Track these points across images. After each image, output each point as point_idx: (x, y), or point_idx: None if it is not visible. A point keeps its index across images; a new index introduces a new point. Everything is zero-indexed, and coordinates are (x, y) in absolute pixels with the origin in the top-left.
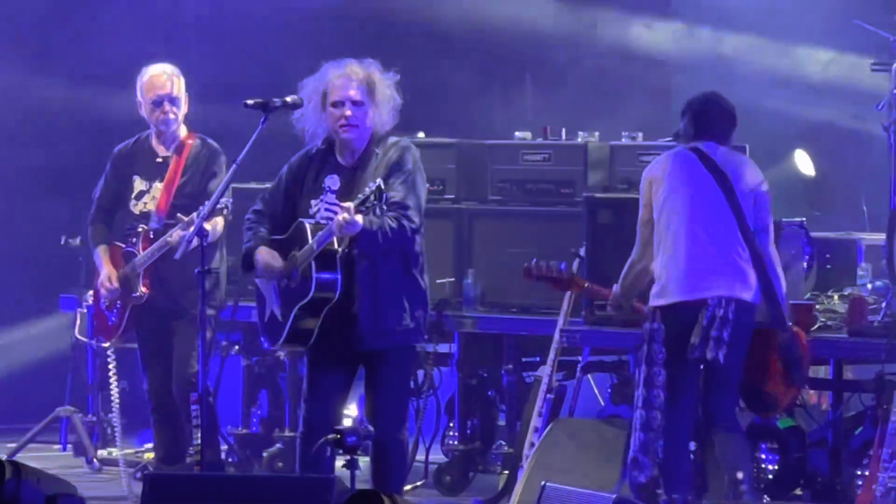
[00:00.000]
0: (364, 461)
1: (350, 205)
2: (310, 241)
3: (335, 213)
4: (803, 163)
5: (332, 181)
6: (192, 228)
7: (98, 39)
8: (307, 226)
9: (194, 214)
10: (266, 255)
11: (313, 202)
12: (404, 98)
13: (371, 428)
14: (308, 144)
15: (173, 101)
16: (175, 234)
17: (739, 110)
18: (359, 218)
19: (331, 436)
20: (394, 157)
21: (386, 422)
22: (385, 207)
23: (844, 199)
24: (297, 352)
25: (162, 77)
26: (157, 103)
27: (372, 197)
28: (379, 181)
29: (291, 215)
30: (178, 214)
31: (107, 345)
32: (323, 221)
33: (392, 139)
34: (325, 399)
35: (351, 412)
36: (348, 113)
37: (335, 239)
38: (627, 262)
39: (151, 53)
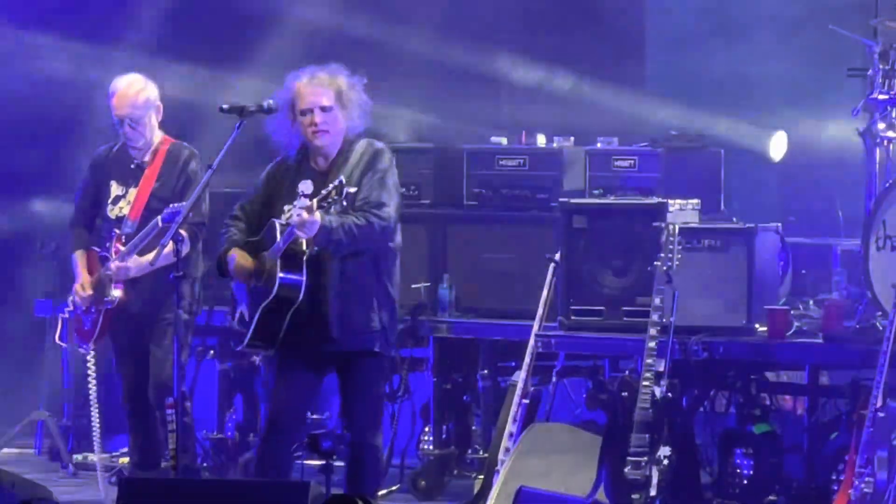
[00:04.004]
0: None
1: (312, 203)
2: (278, 239)
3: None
4: (776, 146)
5: (306, 186)
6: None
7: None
8: (277, 225)
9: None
10: (237, 256)
11: (286, 208)
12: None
13: (346, 433)
14: (283, 153)
15: (133, 120)
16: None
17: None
18: (317, 215)
19: (306, 440)
20: (366, 157)
21: (359, 427)
22: (346, 203)
23: (820, 205)
24: (269, 355)
25: (122, 97)
26: (119, 123)
27: (333, 192)
28: (341, 177)
29: (267, 220)
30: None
31: (84, 350)
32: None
33: (364, 141)
34: (290, 400)
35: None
36: (318, 119)
37: (304, 240)
38: None
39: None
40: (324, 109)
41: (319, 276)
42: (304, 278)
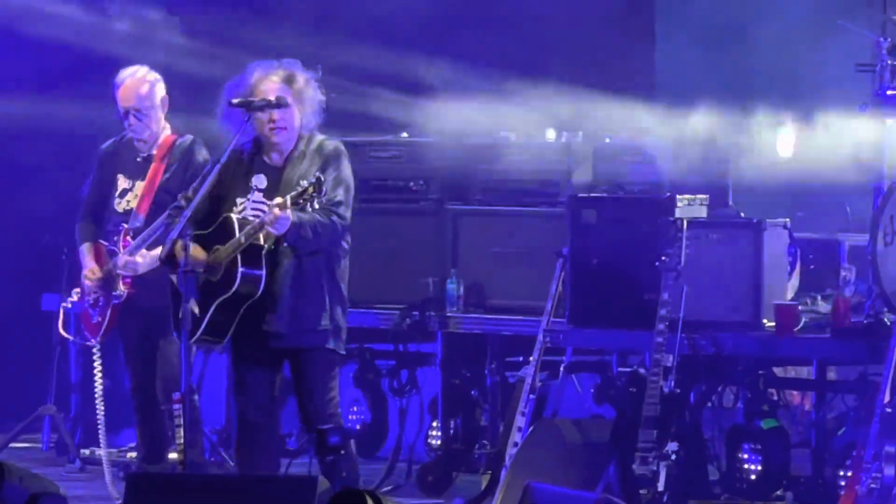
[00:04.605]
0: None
1: (286, 199)
2: (237, 234)
3: (263, 211)
4: (784, 143)
5: (259, 181)
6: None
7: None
8: (234, 220)
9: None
10: (200, 252)
11: (239, 201)
12: (390, 97)
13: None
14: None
15: (139, 112)
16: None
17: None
18: (289, 213)
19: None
20: (323, 155)
21: (313, 424)
22: (323, 202)
23: (828, 201)
24: (218, 350)
25: (128, 88)
26: (125, 115)
27: (311, 190)
28: (318, 174)
29: (215, 214)
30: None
31: (91, 343)
32: (251, 218)
33: (319, 137)
34: (254, 397)
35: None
36: (276, 116)
37: (261, 235)
38: None
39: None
40: (281, 106)
41: (274, 271)
42: (264, 273)
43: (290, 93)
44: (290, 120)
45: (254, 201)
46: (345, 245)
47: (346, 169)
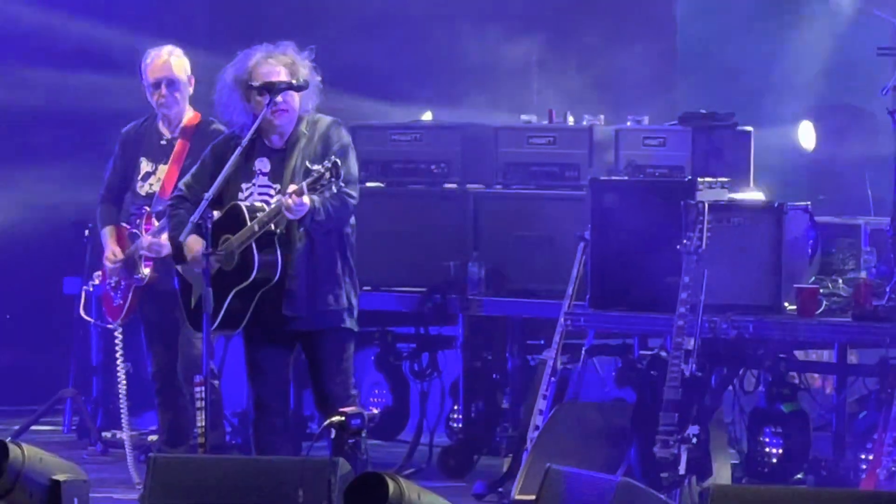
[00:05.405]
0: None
1: (302, 185)
2: (248, 222)
3: (269, 195)
4: (806, 136)
5: (263, 164)
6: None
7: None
8: (244, 207)
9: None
10: (198, 242)
11: (244, 186)
12: (411, 78)
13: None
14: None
15: (172, 83)
16: None
17: (746, 89)
18: (305, 199)
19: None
20: (325, 134)
21: (334, 401)
22: (341, 186)
23: (849, 183)
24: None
25: (160, 60)
26: (156, 85)
27: (328, 174)
28: (334, 159)
29: (217, 200)
30: None
31: (112, 326)
32: (259, 204)
33: (318, 117)
34: (269, 380)
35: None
36: (279, 99)
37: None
38: None
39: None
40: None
41: (288, 255)
42: (280, 257)
43: (290, 75)
44: (291, 102)
45: (260, 186)
46: (352, 223)
47: (350, 146)
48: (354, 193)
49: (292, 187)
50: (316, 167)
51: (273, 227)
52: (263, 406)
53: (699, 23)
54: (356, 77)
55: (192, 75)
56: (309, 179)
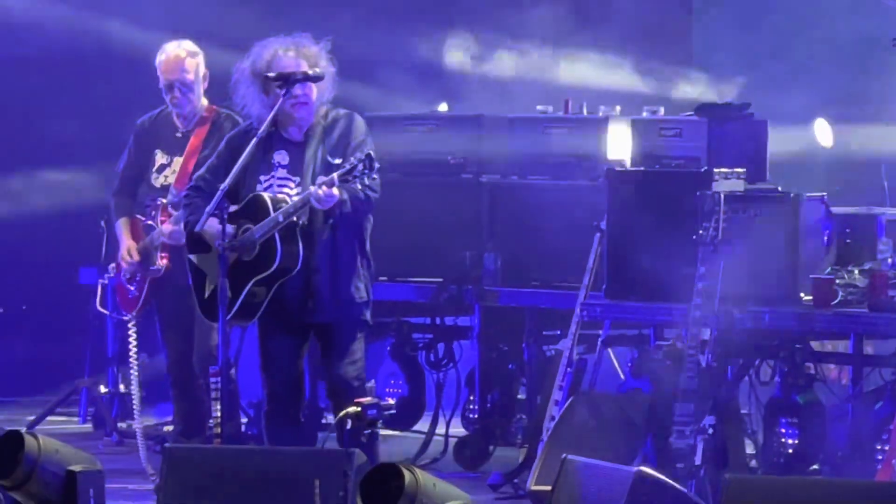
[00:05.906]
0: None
1: (333, 177)
2: (271, 213)
3: (289, 188)
4: (822, 133)
5: (282, 156)
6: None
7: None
8: (267, 198)
9: None
10: (217, 232)
11: (262, 178)
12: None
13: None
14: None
15: (184, 84)
16: None
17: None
18: (335, 190)
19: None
20: (343, 127)
21: (350, 392)
22: (373, 178)
23: (865, 174)
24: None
25: (173, 61)
26: (169, 87)
27: (360, 166)
28: (368, 151)
29: (234, 192)
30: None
31: (127, 318)
32: (281, 196)
33: (335, 110)
34: (282, 370)
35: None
36: (298, 91)
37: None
38: None
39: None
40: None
41: (311, 246)
42: (302, 249)
43: (306, 66)
44: (309, 94)
45: (279, 178)
46: (370, 215)
47: (370, 138)
48: (376, 187)
49: (322, 178)
50: (350, 159)
51: (295, 218)
52: (276, 396)
53: None
54: (370, 68)
55: (206, 70)
56: (341, 171)
